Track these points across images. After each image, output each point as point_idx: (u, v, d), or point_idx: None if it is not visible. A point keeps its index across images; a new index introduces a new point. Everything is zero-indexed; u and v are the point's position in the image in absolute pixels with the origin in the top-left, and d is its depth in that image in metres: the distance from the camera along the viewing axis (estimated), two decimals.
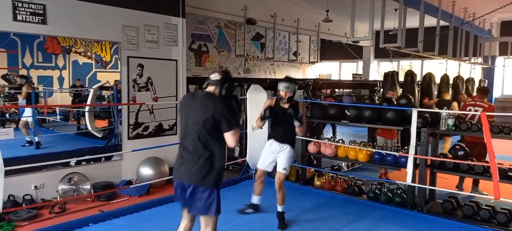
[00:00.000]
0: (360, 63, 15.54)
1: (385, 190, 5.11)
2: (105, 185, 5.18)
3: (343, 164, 6.86)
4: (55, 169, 4.93)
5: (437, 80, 9.79)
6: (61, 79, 9.33)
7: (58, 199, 4.69)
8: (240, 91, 6.79)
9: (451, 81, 10.00)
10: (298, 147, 6.10)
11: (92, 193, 4.97)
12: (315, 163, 6.37)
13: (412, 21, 7.29)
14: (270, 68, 13.63)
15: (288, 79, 4.24)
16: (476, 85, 10.70)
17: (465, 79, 10.61)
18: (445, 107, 5.26)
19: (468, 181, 5.57)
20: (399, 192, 5.00)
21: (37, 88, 8.03)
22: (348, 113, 5.52)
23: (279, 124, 4.33)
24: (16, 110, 7.54)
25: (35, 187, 4.74)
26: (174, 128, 6.10)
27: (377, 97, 6.69)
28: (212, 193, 2.75)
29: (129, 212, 4.58)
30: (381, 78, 8.96)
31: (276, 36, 11.32)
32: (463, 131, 4.70)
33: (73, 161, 5.15)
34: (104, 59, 10.16)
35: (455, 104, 6.85)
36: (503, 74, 13.69)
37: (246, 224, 4.34)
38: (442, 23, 8.22)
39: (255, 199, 4.69)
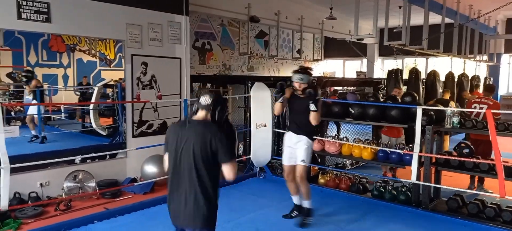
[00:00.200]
0: (364, 61, 15.50)
1: (390, 188, 5.09)
2: (109, 182, 5.20)
3: (347, 161, 6.84)
4: (60, 166, 4.96)
5: (442, 78, 9.73)
6: (65, 78, 9.37)
7: (63, 197, 4.72)
8: (244, 89, 6.80)
9: (456, 79, 9.94)
10: None
11: (97, 191, 4.99)
12: (319, 160, 6.35)
13: (417, 19, 7.26)
14: (274, 66, 13.61)
15: (302, 70, 4.13)
16: (482, 82, 10.63)
17: (470, 77, 10.55)
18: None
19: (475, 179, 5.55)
20: (403, 190, 4.99)
21: (42, 86, 8.07)
22: (352, 111, 5.50)
23: (295, 115, 4.25)
24: (21, 109, 7.58)
25: (41, 184, 4.77)
26: None
27: (381, 95, 6.65)
28: None
29: (134, 209, 4.59)
30: (385, 76, 8.92)
31: (279, 34, 11.31)
32: (468, 128, 4.67)
33: (78, 158, 5.18)
34: (108, 57, 10.19)
35: (452, 103, 6.82)
36: (509, 72, 13.60)
37: (249, 222, 4.35)
38: (447, 20, 8.18)
39: (294, 199, 4.45)
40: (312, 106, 3.95)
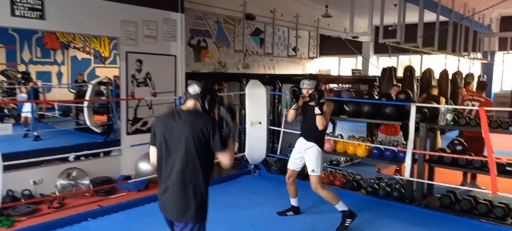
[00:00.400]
0: (360, 58, 15.53)
1: (384, 185, 5.12)
2: (103, 180, 5.19)
3: (342, 158, 6.87)
4: (54, 164, 4.94)
5: (437, 76, 9.79)
6: (59, 75, 9.32)
7: (57, 194, 4.70)
8: (239, 87, 6.80)
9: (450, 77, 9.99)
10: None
11: (91, 188, 4.98)
12: None
13: (412, 17, 7.27)
14: (270, 63, 13.60)
15: (307, 76, 4.16)
16: (476, 80, 10.70)
17: (464, 75, 10.61)
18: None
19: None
20: (397, 186, 5.01)
21: (37, 86, 8.04)
22: (347, 109, 5.52)
23: (306, 121, 4.21)
24: (15, 106, 7.54)
25: (34, 182, 4.75)
26: None
27: (375, 93, 6.69)
28: (202, 226, 2.43)
29: (128, 207, 4.58)
30: (380, 73, 8.95)
31: (275, 31, 11.31)
32: (461, 125, 4.70)
33: (71, 156, 5.15)
34: (103, 54, 10.15)
35: (442, 100, 6.86)
36: (502, 70, 13.69)
37: (245, 219, 4.35)
38: (442, 18, 8.21)
39: (292, 201, 4.49)
40: (316, 110, 3.92)
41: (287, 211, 4.50)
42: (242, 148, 6.42)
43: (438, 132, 6.05)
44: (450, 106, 4.81)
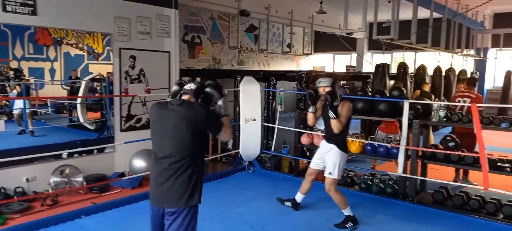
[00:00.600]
0: (354, 55, 15.56)
1: (377, 181, 5.15)
2: (97, 177, 5.17)
3: None
4: (47, 161, 4.91)
5: (430, 72, 9.83)
6: (52, 71, 9.24)
7: (50, 192, 4.67)
8: (233, 83, 6.78)
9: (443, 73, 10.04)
10: (291, 139, 6.13)
11: (85, 185, 4.96)
12: (308, 154, 6.39)
13: (406, 13, 7.30)
14: (264, 60, 13.60)
15: (324, 74, 4.11)
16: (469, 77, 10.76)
17: (458, 71, 10.66)
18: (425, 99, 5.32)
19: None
20: (390, 182, 5.05)
21: (28, 80, 7.95)
22: None
23: (326, 123, 4.12)
24: (7, 103, 7.47)
25: (27, 179, 4.72)
26: None
27: (369, 89, 6.71)
28: (195, 211, 2.47)
29: (122, 204, 4.58)
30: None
31: (270, 28, 11.28)
32: (454, 122, 4.74)
33: (65, 153, 5.13)
34: (96, 51, 10.07)
35: (433, 96, 6.92)
36: (495, 66, 13.79)
37: (239, 216, 4.36)
38: (435, 15, 8.24)
39: (298, 197, 4.49)
40: (330, 114, 3.83)
41: (287, 200, 4.52)
42: (236, 145, 6.43)
43: (431, 128, 6.11)
44: (442, 103, 4.84)
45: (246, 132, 5.86)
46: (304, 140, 5.85)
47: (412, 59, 14.15)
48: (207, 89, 2.53)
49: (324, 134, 4.30)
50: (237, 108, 6.16)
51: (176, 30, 6.15)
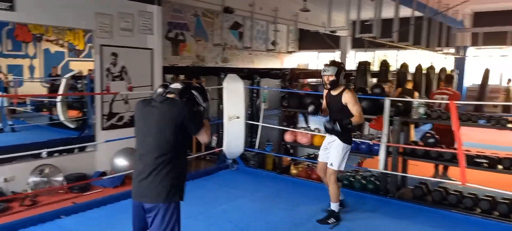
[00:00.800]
0: (338, 53, 15.69)
1: (359, 177, 5.22)
2: (78, 176, 5.08)
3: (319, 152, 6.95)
4: (26, 160, 4.80)
5: (412, 70, 10.01)
6: (31, 69, 9.03)
7: (29, 192, 4.58)
8: (217, 81, 6.76)
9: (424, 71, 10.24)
10: (275, 137, 6.16)
11: (65, 185, 4.87)
12: (291, 152, 6.44)
13: (388, 12, 7.40)
14: (248, 57, 13.56)
15: (329, 62, 3.97)
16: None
17: (438, 69, 10.88)
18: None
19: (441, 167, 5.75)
20: (372, 179, 5.12)
21: (7, 77, 7.76)
22: None
23: (330, 113, 4.04)
24: None
25: (5, 179, 4.60)
26: None
27: (352, 87, 6.78)
28: (176, 207, 2.47)
29: (103, 203, 4.52)
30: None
31: (254, 25, 11.28)
32: (434, 119, 4.83)
33: (44, 152, 5.02)
34: (77, 47, 9.88)
35: (416, 94, 7.05)
36: (474, 64, 14.10)
37: (222, 213, 4.36)
38: (417, 13, 8.38)
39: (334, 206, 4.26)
40: (337, 126, 3.75)
41: (331, 216, 4.17)
42: (220, 143, 6.42)
43: (412, 126, 6.23)
44: (422, 100, 4.93)
45: (230, 129, 5.85)
46: (288, 137, 5.88)
47: (395, 57, 14.38)
48: (193, 91, 2.57)
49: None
50: (221, 106, 6.14)
51: (159, 27, 6.09)
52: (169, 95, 2.52)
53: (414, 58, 10.58)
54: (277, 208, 4.56)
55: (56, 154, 5.15)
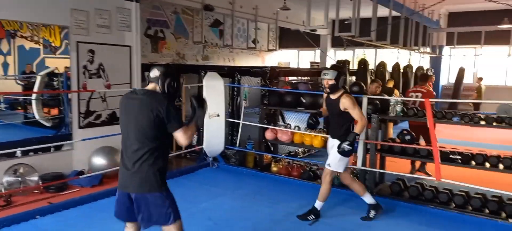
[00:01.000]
0: (318, 51, 15.84)
1: (338, 175, 5.27)
2: (54, 176, 4.96)
3: (300, 150, 7.01)
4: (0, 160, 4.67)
5: (389, 68, 10.20)
6: (5, 65, 8.76)
7: (3, 192, 4.45)
8: (197, 79, 6.72)
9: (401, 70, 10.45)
10: (255, 134, 6.18)
11: (40, 185, 4.75)
12: (272, 149, 6.47)
13: (367, 11, 7.51)
14: (229, 55, 13.54)
15: (330, 67, 4.00)
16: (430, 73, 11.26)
17: (415, 68, 11.13)
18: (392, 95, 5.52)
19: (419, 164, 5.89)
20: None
21: None
22: (304, 101, 5.63)
23: (330, 117, 4.04)
24: None
25: None
26: None
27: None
28: (165, 198, 2.51)
29: (81, 203, 4.43)
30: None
31: (234, 23, 11.26)
32: (410, 116, 4.94)
33: (18, 151, 4.88)
34: (53, 44, 9.64)
35: (396, 92, 7.20)
36: (450, 63, 14.49)
37: (202, 211, 4.34)
38: (394, 13, 8.54)
39: (365, 198, 4.25)
40: (346, 146, 3.79)
41: (368, 212, 4.21)
42: (200, 141, 6.39)
43: (391, 124, 6.37)
44: (398, 98, 5.04)
45: (210, 127, 5.84)
46: (268, 135, 5.91)
47: (373, 56, 14.62)
48: (192, 101, 2.57)
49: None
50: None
51: (137, 24, 6.00)
52: (150, 86, 2.52)
53: (393, 57, 10.78)
54: (258, 205, 4.58)
55: (31, 153, 5.02)
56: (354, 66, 12.10)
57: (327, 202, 4.66)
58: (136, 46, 6.02)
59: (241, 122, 6.15)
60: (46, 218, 4.04)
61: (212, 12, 9.81)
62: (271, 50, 15.18)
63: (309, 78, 9.76)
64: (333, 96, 3.93)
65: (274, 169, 5.87)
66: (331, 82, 3.84)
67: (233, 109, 6.45)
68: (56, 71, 7.14)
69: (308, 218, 4.13)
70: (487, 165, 4.44)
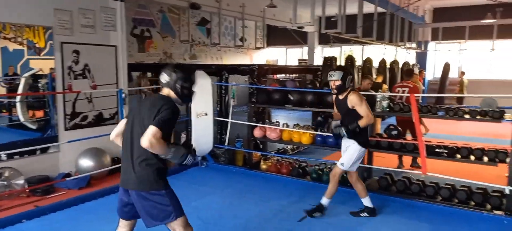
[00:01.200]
0: (305, 48, 15.90)
1: (327, 170, 5.32)
2: (40, 179, 4.90)
3: (289, 147, 7.04)
4: None
5: (376, 64, 10.30)
6: None
7: None
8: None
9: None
10: (244, 132, 6.18)
11: (26, 188, 4.68)
12: (261, 147, 6.48)
13: (352, 8, 7.56)
14: (217, 54, 13.51)
15: (336, 68, 3.91)
16: (417, 69, 11.39)
17: (401, 64, 11.25)
18: (380, 90, 5.57)
19: (407, 158, 5.96)
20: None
21: None
22: (292, 98, 5.65)
23: (342, 118, 3.98)
24: None
25: None
26: (115, 117, 5.87)
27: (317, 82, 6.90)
28: (165, 195, 2.53)
29: (68, 205, 4.38)
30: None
31: (222, 21, 11.23)
32: (396, 111, 5.00)
33: (3, 154, 4.80)
34: (37, 45, 9.48)
35: (384, 87, 7.27)
36: (435, 58, 14.69)
37: (191, 211, 4.25)
38: (380, 10, 8.62)
39: (363, 201, 4.24)
40: (342, 131, 3.80)
41: (361, 212, 4.25)
42: (188, 140, 6.36)
43: (379, 119, 6.43)
44: (385, 94, 5.08)
45: (198, 126, 5.81)
46: (257, 133, 5.92)
47: (360, 53, 14.73)
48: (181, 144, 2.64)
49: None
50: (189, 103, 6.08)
51: (122, 23, 5.94)
52: (164, 92, 2.57)
53: (380, 53, 10.88)
54: (248, 203, 4.59)
55: (16, 156, 4.94)
56: (341, 62, 12.18)
57: (317, 198, 4.69)
58: (122, 46, 5.96)
59: (229, 120, 6.14)
60: (32, 221, 3.98)
61: (198, 10, 9.77)
62: (259, 48, 15.19)
63: (297, 75, 9.81)
64: (341, 96, 3.92)
65: (264, 166, 5.89)
66: (338, 83, 3.81)
67: (221, 108, 6.44)
68: (41, 72, 7.03)
69: (314, 215, 4.14)
70: (472, 158, 4.52)
